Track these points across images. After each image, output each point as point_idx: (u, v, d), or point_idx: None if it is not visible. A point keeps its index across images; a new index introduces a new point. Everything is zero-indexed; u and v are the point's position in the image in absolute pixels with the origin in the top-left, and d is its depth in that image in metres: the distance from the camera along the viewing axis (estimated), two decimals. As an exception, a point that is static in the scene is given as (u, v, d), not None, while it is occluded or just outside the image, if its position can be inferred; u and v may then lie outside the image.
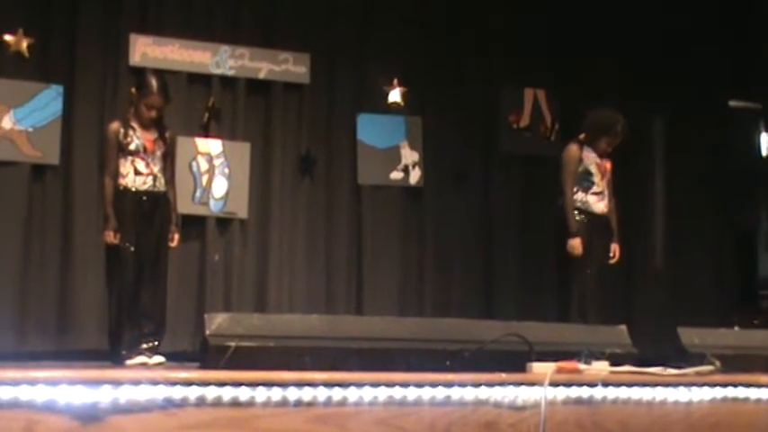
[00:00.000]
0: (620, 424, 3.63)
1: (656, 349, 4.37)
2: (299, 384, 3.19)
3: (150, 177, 6.64)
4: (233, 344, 3.67)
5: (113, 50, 8.68)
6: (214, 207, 8.82)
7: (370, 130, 9.41)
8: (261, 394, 3.13)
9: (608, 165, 7.35)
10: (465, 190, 9.70)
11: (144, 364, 6.33)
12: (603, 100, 8.04)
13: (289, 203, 9.13)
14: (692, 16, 9.97)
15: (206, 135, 8.88)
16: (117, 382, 2.99)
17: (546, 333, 4.41)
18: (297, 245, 9.12)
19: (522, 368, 3.76)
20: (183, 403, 3.04)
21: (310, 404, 3.19)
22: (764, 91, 10.42)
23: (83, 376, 2.97)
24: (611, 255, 7.34)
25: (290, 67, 9.16)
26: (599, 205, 7.27)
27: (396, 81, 9.49)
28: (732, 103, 10.58)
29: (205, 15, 9.08)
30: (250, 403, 3.12)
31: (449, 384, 3.39)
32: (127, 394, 2.98)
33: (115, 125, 6.71)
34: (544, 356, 3.82)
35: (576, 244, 7.08)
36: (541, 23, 9.73)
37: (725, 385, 3.86)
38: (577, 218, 7.17)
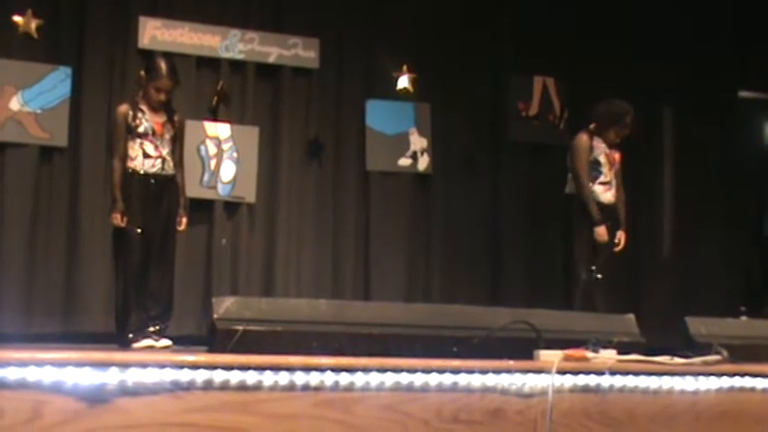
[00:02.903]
0: (626, 412, 3.63)
1: (663, 338, 4.36)
2: (307, 369, 3.19)
3: (159, 160, 6.63)
4: (241, 328, 3.67)
5: (122, 33, 8.68)
6: (222, 191, 8.82)
7: (379, 116, 9.40)
8: (268, 378, 3.14)
9: (617, 155, 7.35)
10: (473, 177, 9.69)
11: (151, 347, 6.33)
12: (612, 89, 8.01)
13: (297, 188, 9.13)
14: (701, 6, 9.93)
15: (215, 119, 8.88)
16: (124, 365, 2.99)
17: (554, 321, 4.39)
18: (304, 230, 9.12)
19: (529, 356, 3.75)
20: (190, 386, 3.04)
21: (317, 389, 3.19)
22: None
23: (90, 358, 2.97)
24: (617, 242, 7.33)
25: (299, 51, 9.15)
26: (606, 195, 7.27)
27: (405, 67, 9.48)
28: (742, 94, 10.55)
29: (215, -1, 9.08)
30: (257, 387, 3.12)
31: (456, 371, 3.39)
32: (134, 377, 2.98)
33: (124, 108, 6.70)
34: (552, 344, 3.81)
35: (602, 231, 7.11)
36: (552, 12, 9.69)
37: (732, 375, 3.86)
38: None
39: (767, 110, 10.79)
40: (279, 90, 9.15)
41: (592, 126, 7.33)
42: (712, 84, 10.04)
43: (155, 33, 8.70)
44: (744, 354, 4.17)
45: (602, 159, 7.27)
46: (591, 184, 7.21)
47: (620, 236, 7.35)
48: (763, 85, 10.56)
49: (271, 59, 9.11)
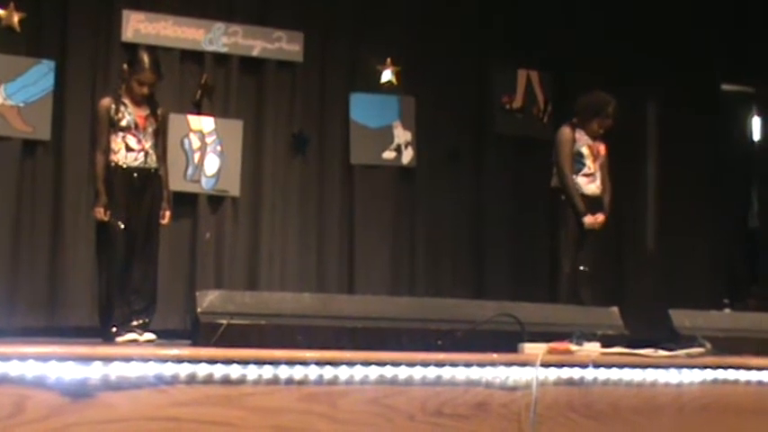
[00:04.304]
0: (610, 405, 3.64)
1: (647, 331, 4.37)
2: (291, 363, 3.19)
3: (142, 153, 6.61)
4: (224, 321, 3.67)
5: (106, 26, 8.64)
6: (206, 184, 8.80)
7: (363, 110, 9.39)
8: (252, 372, 3.13)
9: (602, 147, 7.36)
10: (457, 170, 9.70)
11: (134, 341, 6.31)
12: (596, 82, 8.02)
13: (281, 182, 9.12)
14: (686, -1, 9.97)
15: (198, 112, 8.86)
16: (108, 359, 2.98)
17: (538, 314, 4.41)
18: (289, 223, 9.11)
19: (513, 349, 3.76)
20: (173, 380, 3.04)
21: (301, 382, 3.19)
22: (757, 75, 10.42)
23: (73, 352, 2.96)
24: (596, 219, 7.27)
25: (283, 45, 9.13)
26: (590, 187, 7.28)
27: (389, 60, 9.47)
28: (725, 87, 10.57)
29: (199, -8, 9.05)
30: (241, 381, 3.12)
31: (440, 364, 3.39)
32: (117, 371, 2.97)
33: (107, 101, 6.67)
34: (536, 337, 3.82)
35: (589, 220, 7.12)
36: (536, 5, 9.70)
37: (715, 367, 3.87)
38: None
39: (751, 103, 10.81)
40: (263, 83, 9.14)
41: (574, 119, 7.35)
42: (696, 77, 10.06)
43: (138, 27, 8.67)
44: (727, 346, 4.19)
45: (584, 151, 7.27)
46: (574, 176, 7.23)
47: (599, 215, 7.29)
48: (746, 78, 10.59)
49: (255, 53, 9.09)
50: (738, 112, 10.75)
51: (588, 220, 7.14)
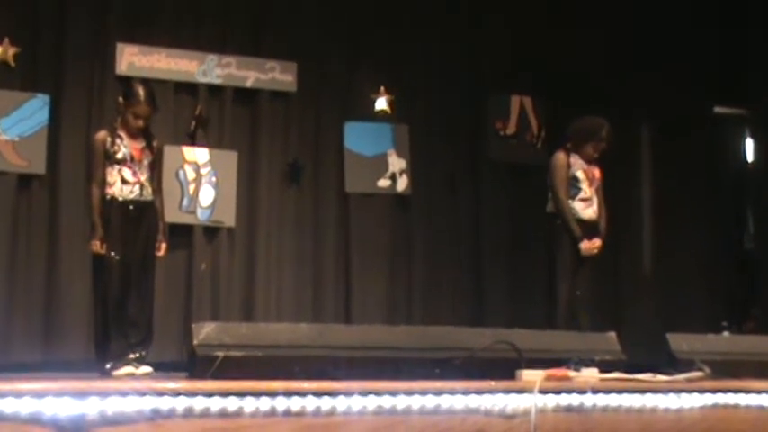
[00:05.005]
0: (610, 431, 3.62)
1: (645, 356, 4.36)
2: (288, 394, 3.17)
3: (137, 186, 6.61)
4: (221, 353, 3.66)
5: (100, 60, 8.67)
6: (201, 216, 8.80)
7: (358, 138, 9.41)
8: (249, 404, 3.11)
9: (596, 171, 7.36)
10: (452, 197, 9.70)
11: (131, 375, 6.28)
12: (589, 107, 8.03)
13: (276, 212, 9.12)
14: (677, 23, 9.99)
15: (193, 144, 8.87)
16: (104, 394, 2.96)
17: (535, 340, 4.40)
18: (284, 253, 9.10)
19: (511, 376, 3.75)
20: (170, 414, 3.02)
21: (299, 414, 3.17)
22: (749, 97, 10.45)
23: (69, 387, 2.94)
24: (593, 245, 7.27)
25: (276, 75, 9.16)
26: (587, 211, 7.28)
27: (382, 89, 9.49)
28: (717, 109, 10.60)
29: (192, 24, 9.08)
30: (238, 413, 3.10)
31: (438, 393, 3.38)
32: (114, 406, 2.96)
33: (102, 134, 6.68)
34: (534, 364, 3.80)
35: (586, 245, 7.11)
36: (528, 31, 9.73)
37: (715, 391, 3.85)
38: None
39: (743, 125, 10.83)
40: (257, 114, 9.15)
41: (568, 143, 7.36)
42: (688, 100, 10.08)
43: (132, 60, 8.70)
44: (726, 370, 4.18)
45: (580, 176, 7.28)
46: (570, 201, 7.23)
47: (596, 240, 7.30)
48: (738, 100, 10.61)
49: (248, 84, 9.11)
50: (730, 135, 10.77)
51: (585, 245, 7.14)
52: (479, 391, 3.44)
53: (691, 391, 3.81)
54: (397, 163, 9.50)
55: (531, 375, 3.68)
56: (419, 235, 9.57)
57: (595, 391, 3.62)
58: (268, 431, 3.13)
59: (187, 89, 8.94)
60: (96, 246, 6.53)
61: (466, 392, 3.42)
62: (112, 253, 6.49)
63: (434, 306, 9.46)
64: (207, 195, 8.81)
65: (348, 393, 3.25)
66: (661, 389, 3.76)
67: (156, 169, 6.80)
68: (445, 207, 9.65)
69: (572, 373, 3.78)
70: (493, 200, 9.80)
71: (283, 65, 9.18)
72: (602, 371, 3.93)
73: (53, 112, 8.40)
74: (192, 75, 8.92)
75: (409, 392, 3.34)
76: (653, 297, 9.86)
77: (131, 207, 6.59)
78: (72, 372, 6.91)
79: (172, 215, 8.00)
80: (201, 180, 8.81)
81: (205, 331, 3.75)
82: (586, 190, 7.29)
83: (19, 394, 2.86)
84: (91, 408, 2.93)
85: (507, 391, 3.48)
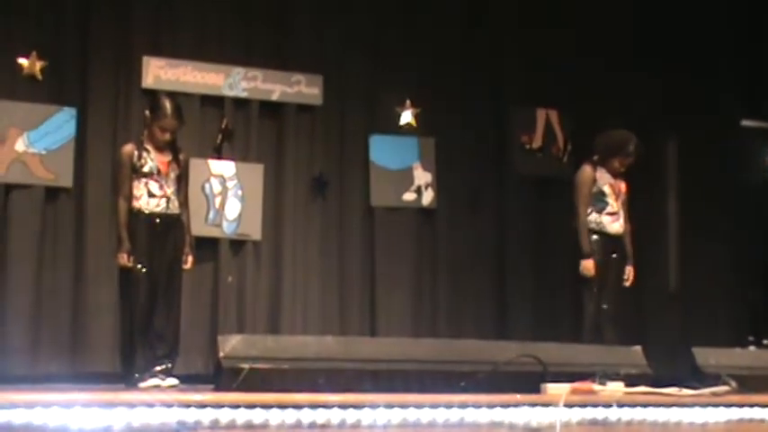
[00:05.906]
0: (635, 445, 3.62)
1: (671, 370, 4.35)
2: (314, 406, 3.18)
3: (164, 199, 6.65)
4: (247, 366, 3.67)
5: (126, 73, 8.70)
6: (227, 229, 8.82)
7: (383, 152, 9.41)
8: (275, 416, 3.13)
9: (622, 185, 7.35)
10: (478, 211, 9.68)
11: (157, 387, 6.31)
12: (615, 120, 8.02)
13: (302, 225, 9.13)
14: (703, 35, 9.97)
15: (219, 157, 8.89)
16: (131, 405, 2.98)
17: (560, 354, 4.39)
18: (310, 266, 9.11)
19: (536, 389, 3.75)
20: (196, 426, 3.03)
21: (324, 426, 3.18)
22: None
23: (96, 399, 2.97)
24: (626, 277, 7.33)
25: (302, 88, 9.18)
26: (614, 226, 7.27)
27: (408, 102, 9.50)
28: (744, 123, 10.55)
29: (218, 38, 9.11)
30: (264, 426, 3.11)
31: (463, 406, 3.38)
32: (141, 417, 2.98)
33: (129, 147, 6.73)
34: (559, 377, 3.80)
35: (588, 265, 7.10)
36: (554, 43, 9.72)
37: (740, 406, 3.84)
38: (593, 238, 7.18)
39: (769, 138, 10.79)
40: (283, 127, 9.17)
41: (595, 157, 7.34)
42: (715, 113, 10.05)
43: (158, 73, 8.74)
44: (752, 384, 4.16)
45: (606, 190, 7.27)
46: (597, 216, 7.22)
47: (629, 271, 7.34)
48: (766, 114, 10.57)
49: (274, 97, 9.13)
50: (758, 149, 10.71)
51: (585, 263, 7.10)
52: (504, 405, 3.44)
53: (716, 405, 3.80)
54: (422, 176, 9.50)
55: (557, 389, 3.68)
56: (444, 248, 9.55)
57: (621, 405, 3.62)
58: (293, 443, 3.15)
59: (213, 102, 8.97)
60: (123, 259, 6.58)
61: (491, 406, 3.42)
62: (139, 266, 6.54)
63: (459, 319, 9.44)
64: (233, 208, 8.84)
65: (373, 406, 3.26)
66: (686, 403, 3.76)
67: (182, 183, 6.84)
68: (470, 221, 9.63)
69: (597, 387, 3.78)
70: (518, 213, 9.78)
71: (309, 78, 9.20)
72: (628, 385, 3.92)
73: (80, 126, 8.43)
74: (219, 88, 8.95)
75: (434, 405, 3.34)
76: (678, 311, 9.81)
77: (158, 220, 6.63)
78: (99, 384, 6.94)
79: (198, 228, 8.03)
80: (227, 193, 8.83)
81: (231, 344, 3.76)
82: (613, 204, 7.28)
83: (47, 405, 2.88)
84: (118, 419, 2.95)
85: (532, 405, 3.49)
